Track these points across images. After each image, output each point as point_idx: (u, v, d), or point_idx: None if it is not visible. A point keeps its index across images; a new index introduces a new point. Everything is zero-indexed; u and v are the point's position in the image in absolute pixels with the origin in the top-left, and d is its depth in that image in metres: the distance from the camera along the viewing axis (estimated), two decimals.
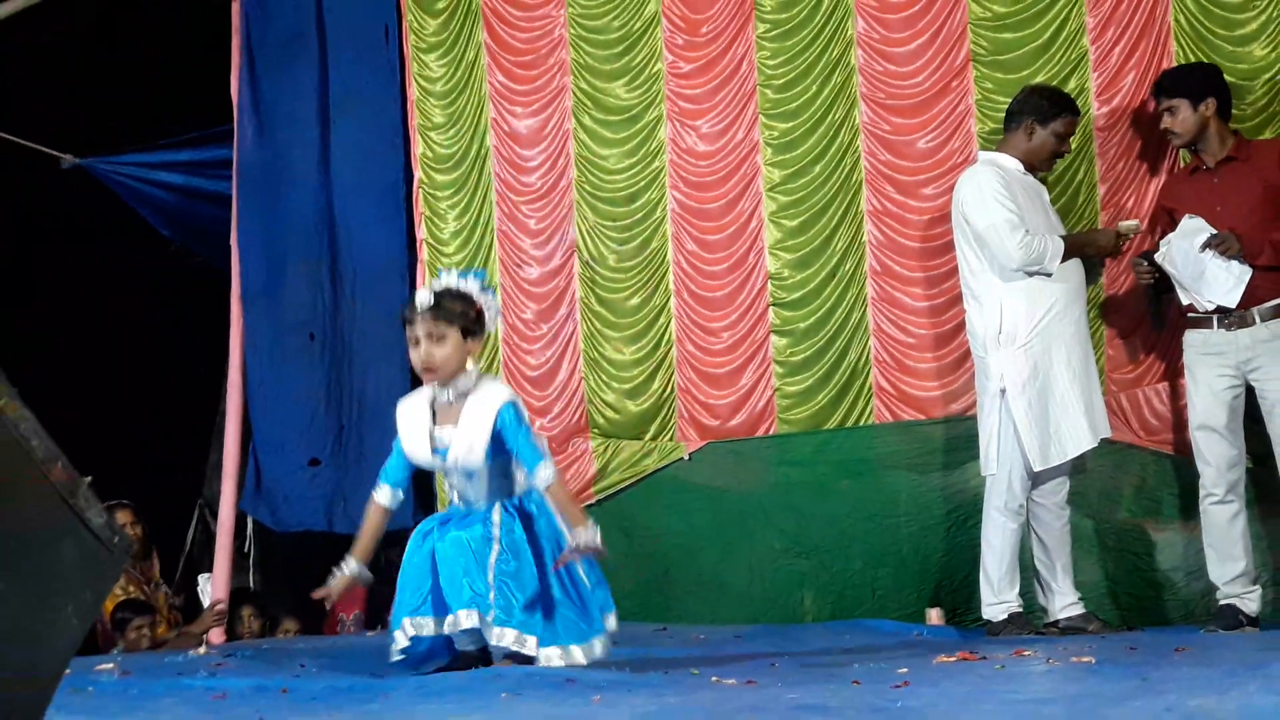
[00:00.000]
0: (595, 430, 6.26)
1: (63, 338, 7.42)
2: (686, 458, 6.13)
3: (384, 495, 4.26)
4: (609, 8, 6.31)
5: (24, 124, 7.31)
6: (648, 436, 6.19)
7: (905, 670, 3.72)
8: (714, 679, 3.70)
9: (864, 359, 5.88)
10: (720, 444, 6.08)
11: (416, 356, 4.12)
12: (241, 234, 6.85)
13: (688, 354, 6.14)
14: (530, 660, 4.02)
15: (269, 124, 6.93)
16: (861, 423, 5.88)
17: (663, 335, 6.19)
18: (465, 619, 3.98)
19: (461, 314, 4.09)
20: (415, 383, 6.40)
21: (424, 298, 4.11)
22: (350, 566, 4.21)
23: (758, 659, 4.32)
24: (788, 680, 3.64)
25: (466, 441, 4.08)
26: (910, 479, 5.78)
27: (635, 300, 6.23)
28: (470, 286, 4.17)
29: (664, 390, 6.18)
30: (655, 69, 6.23)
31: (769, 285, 6.03)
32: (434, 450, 4.14)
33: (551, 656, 3.99)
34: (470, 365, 4.15)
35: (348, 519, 6.63)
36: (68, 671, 2.04)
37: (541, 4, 6.43)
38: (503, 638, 3.98)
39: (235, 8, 6.95)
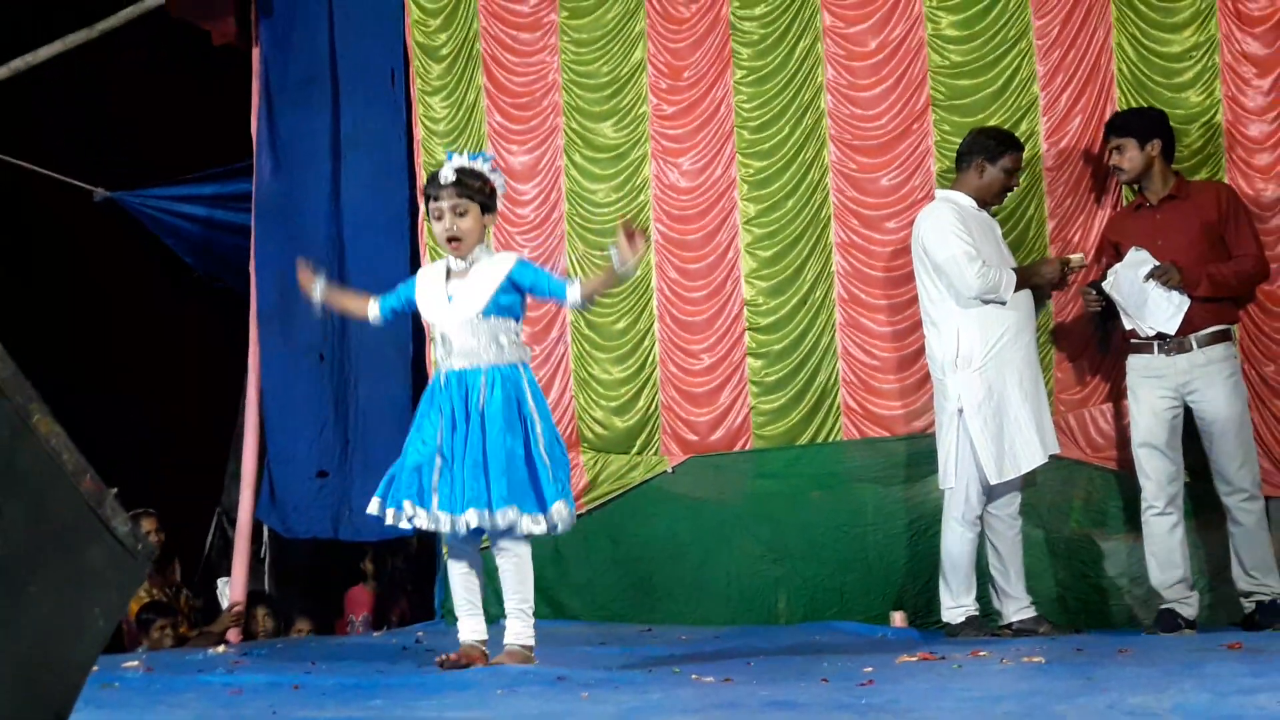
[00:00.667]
0: (585, 445, 6.26)
1: (91, 357, 7.40)
2: (670, 470, 6.13)
3: (373, 306, 4.35)
4: (598, 54, 6.33)
5: (60, 159, 7.31)
6: (634, 451, 6.19)
7: (870, 669, 3.73)
8: (694, 677, 3.70)
9: (833, 380, 5.89)
10: (701, 458, 6.08)
11: (441, 229, 4.16)
12: (259, 261, 6.84)
13: (670, 374, 6.14)
14: (528, 654, 4.04)
15: (285, 160, 6.94)
16: (831, 439, 5.89)
17: (647, 357, 6.19)
18: (471, 517, 3.98)
19: (480, 189, 4.15)
20: (416, 397, 6.43)
21: (448, 174, 4.14)
22: (318, 289, 4.34)
23: (735, 658, 4.32)
24: (762, 678, 3.64)
25: (475, 289, 4.12)
26: (876, 491, 5.78)
27: (621, 324, 6.24)
28: (483, 166, 4.22)
29: (648, 408, 6.18)
30: (641, 111, 6.25)
31: (745, 311, 6.04)
32: (446, 301, 4.16)
33: (538, 521, 4.02)
34: (486, 238, 4.22)
35: (352, 527, 6.62)
36: (95, 668, 2.04)
37: (536, 50, 6.44)
38: (505, 518, 3.97)
39: (255, 53, 6.96)
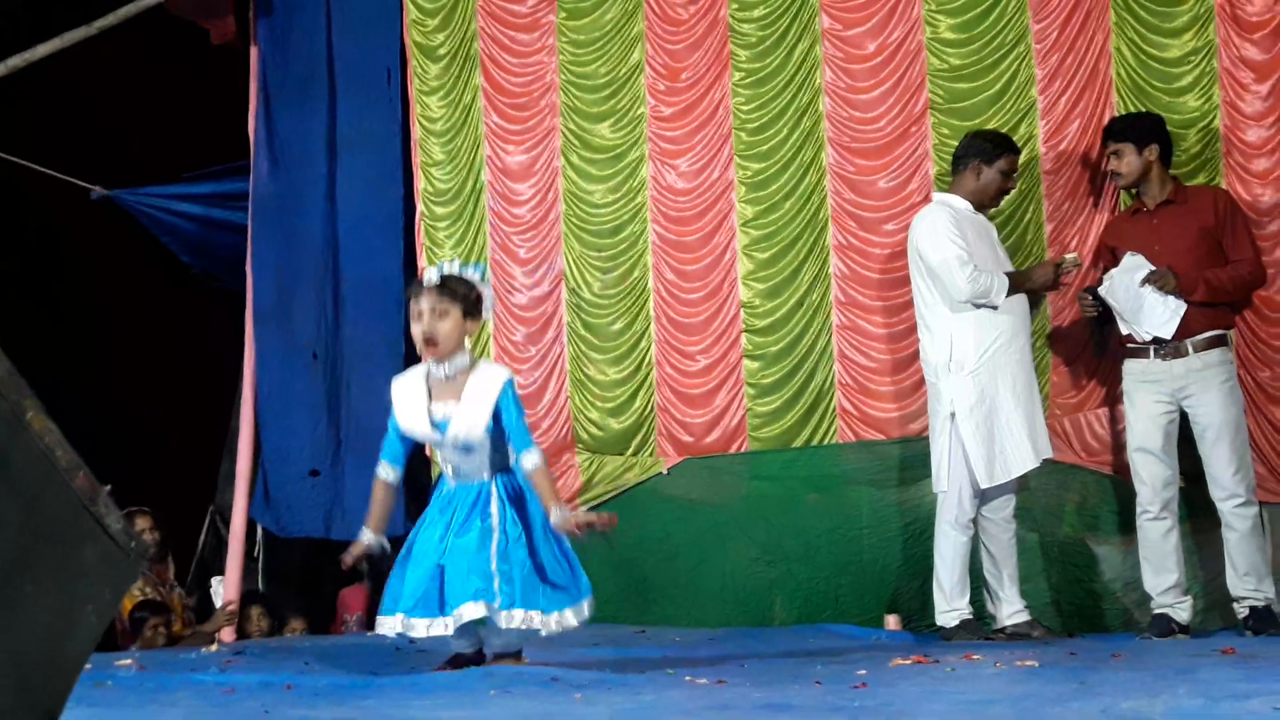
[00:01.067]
0: (581, 446, 6.26)
1: (87, 355, 7.40)
2: (665, 472, 6.13)
3: (386, 471, 4.17)
4: (596, 55, 6.33)
5: (57, 157, 7.30)
6: (629, 452, 6.19)
7: (864, 672, 3.73)
8: (688, 678, 3.71)
9: (829, 382, 5.89)
10: (696, 460, 6.08)
11: (418, 329, 4.03)
12: (255, 260, 6.84)
13: (666, 376, 6.15)
14: (518, 655, 4.01)
15: (283, 159, 6.94)
16: (826, 441, 5.89)
17: (643, 358, 6.20)
18: (470, 610, 3.87)
19: (464, 295, 4.04)
20: None
21: (432, 276, 4.07)
22: (366, 536, 4.13)
23: (729, 660, 4.33)
24: (756, 680, 3.64)
25: (469, 417, 3.99)
26: (871, 494, 5.79)
27: (618, 325, 6.24)
28: (473, 274, 4.14)
29: (644, 409, 6.18)
30: (639, 112, 6.25)
31: (742, 313, 6.04)
32: (432, 425, 4.03)
33: (549, 622, 3.93)
34: (466, 345, 4.10)
35: (345, 526, 6.61)
36: (88, 666, 2.04)
37: (534, 51, 6.44)
38: (511, 620, 3.88)
39: (254, 52, 6.96)
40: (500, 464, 4.07)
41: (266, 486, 6.72)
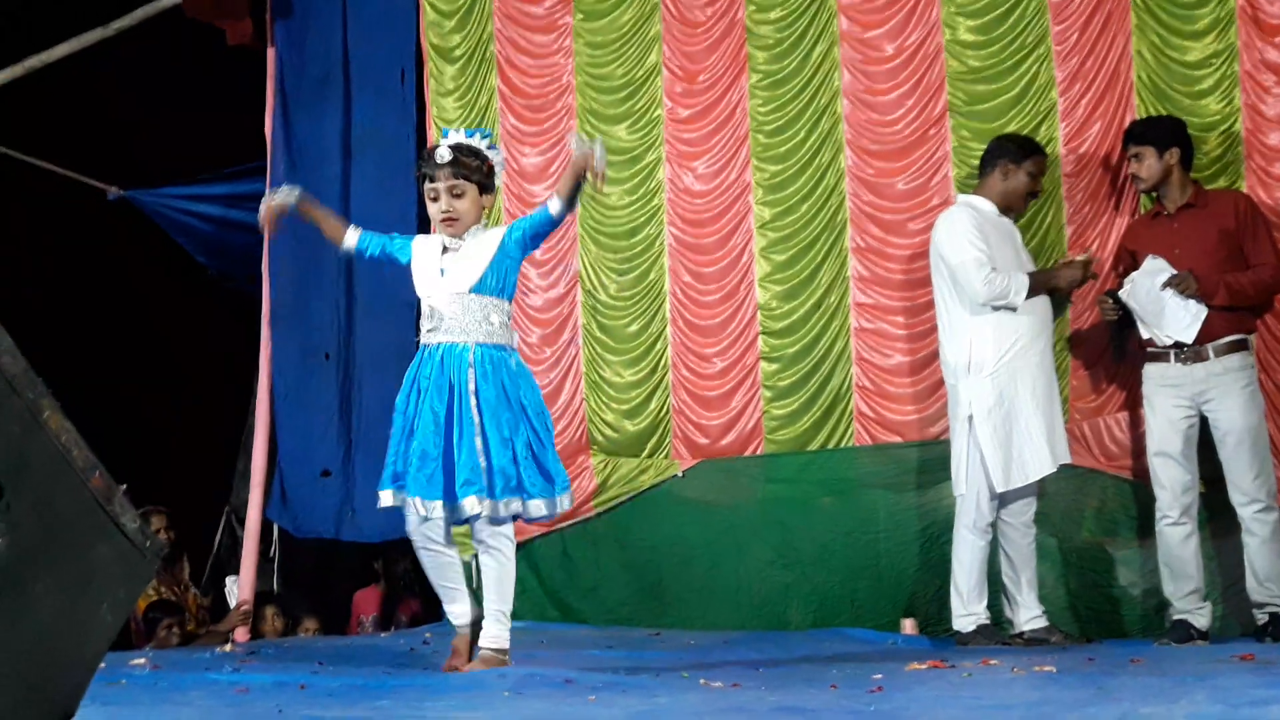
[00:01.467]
0: (596, 448, 6.26)
1: (104, 356, 7.43)
2: (680, 474, 6.13)
3: (350, 236, 4.31)
4: (613, 57, 6.33)
5: (74, 157, 7.34)
6: (644, 454, 6.19)
7: (880, 676, 3.73)
8: (702, 682, 3.71)
9: (846, 385, 5.88)
10: (712, 462, 6.08)
11: (436, 210, 4.13)
12: (272, 261, 6.87)
13: (682, 378, 6.14)
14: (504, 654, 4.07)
15: (299, 160, 6.96)
16: (843, 444, 5.87)
17: (659, 360, 6.19)
18: (470, 505, 3.98)
19: (477, 169, 4.12)
20: None
21: (444, 153, 4.11)
22: (284, 193, 4.36)
23: (744, 664, 4.32)
24: (771, 684, 3.64)
25: (468, 263, 4.10)
26: (888, 498, 5.77)
27: (634, 327, 6.24)
28: (480, 143, 4.18)
29: (660, 411, 6.18)
30: (655, 114, 6.25)
31: (759, 315, 6.04)
32: (439, 273, 4.14)
33: (540, 507, 4.08)
34: (482, 218, 4.20)
35: (355, 528, 6.64)
36: (103, 664, 2.04)
37: (551, 53, 6.45)
38: (508, 508, 4.02)
39: (270, 54, 6.98)
40: (487, 334, 4.10)
41: (283, 487, 6.74)
